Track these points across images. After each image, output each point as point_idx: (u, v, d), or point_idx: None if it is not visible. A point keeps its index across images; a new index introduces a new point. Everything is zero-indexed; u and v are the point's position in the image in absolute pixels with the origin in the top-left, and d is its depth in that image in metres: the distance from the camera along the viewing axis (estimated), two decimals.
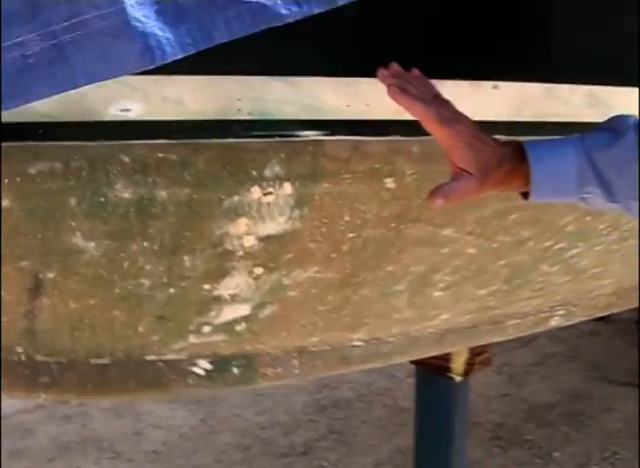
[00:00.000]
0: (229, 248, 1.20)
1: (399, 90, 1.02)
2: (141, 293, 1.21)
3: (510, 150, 1.04)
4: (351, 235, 1.29)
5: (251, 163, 1.12)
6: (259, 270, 1.26)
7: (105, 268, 1.16)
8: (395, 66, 1.08)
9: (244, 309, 1.33)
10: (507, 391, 3.89)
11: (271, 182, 1.14)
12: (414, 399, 2.33)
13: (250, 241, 1.20)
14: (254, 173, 1.13)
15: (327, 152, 1.15)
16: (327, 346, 1.59)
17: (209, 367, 1.41)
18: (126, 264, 1.16)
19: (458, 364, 2.09)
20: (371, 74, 1.09)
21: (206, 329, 1.33)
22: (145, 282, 1.19)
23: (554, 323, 2.12)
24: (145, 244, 1.15)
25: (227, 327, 1.34)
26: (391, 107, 1.09)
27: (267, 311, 1.36)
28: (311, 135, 1.12)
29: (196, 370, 1.40)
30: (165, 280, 1.21)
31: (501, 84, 1.23)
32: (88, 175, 1.06)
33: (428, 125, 1.02)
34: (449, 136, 1.01)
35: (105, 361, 1.30)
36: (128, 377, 1.33)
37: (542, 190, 1.05)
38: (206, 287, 1.24)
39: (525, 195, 1.08)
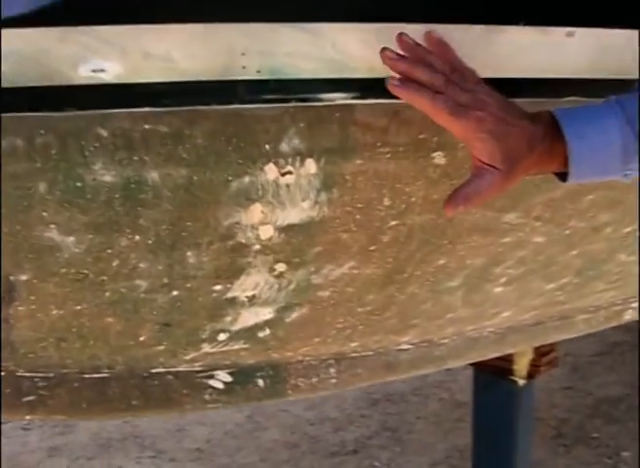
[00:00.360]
0: (242, 240, 0.96)
1: (400, 81, 0.84)
2: (138, 297, 0.99)
3: (542, 128, 0.88)
4: (393, 223, 1.05)
5: (263, 135, 0.88)
6: (281, 267, 1.02)
7: (90, 268, 0.93)
8: (405, 39, 0.85)
9: (266, 313, 1.09)
10: (571, 384, 3.59)
11: (290, 159, 0.90)
12: (472, 401, 2.08)
13: (267, 232, 0.97)
14: (267, 147, 0.89)
15: (359, 120, 0.90)
16: (369, 351, 1.36)
17: (228, 378, 1.19)
18: (115, 263, 0.94)
19: (521, 365, 1.82)
20: (413, 19, 0.85)
21: (222, 336, 1.10)
22: (142, 283, 0.97)
23: (628, 316, 1.86)
24: (137, 238, 0.92)
25: (248, 333, 1.12)
26: None
27: (295, 314, 1.12)
28: (338, 98, 0.88)
29: (213, 382, 1.17)
30: (165, 280, 0.98)
31: (578, 31, 0.96)
32: (58, 155, 0.84)
33: (437, 119, 0.85)
34: (464, 128, 0.85)
35: (103, 375, 1.08)
36: (131, 393, 1.11)
37: (584, 171, 0.90)
38: (217, 288, 1.01)
39: (561, 176, 0.91)
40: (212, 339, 1.10)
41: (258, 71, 0.83)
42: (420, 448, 3.11)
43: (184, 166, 0.87)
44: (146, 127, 0.84)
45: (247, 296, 1.05)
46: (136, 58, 0.80)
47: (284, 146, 0.89)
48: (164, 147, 0.85)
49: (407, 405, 3.44)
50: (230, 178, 0.89)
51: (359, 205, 1.00)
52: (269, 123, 0.87)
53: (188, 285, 0.99)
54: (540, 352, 1.84)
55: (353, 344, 1.30)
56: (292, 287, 1.06)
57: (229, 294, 1.03)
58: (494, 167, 0.85)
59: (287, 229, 0.98)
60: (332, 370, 1.30)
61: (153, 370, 1.11)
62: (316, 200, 0.96)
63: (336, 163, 0.93)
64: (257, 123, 0.86)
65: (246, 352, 1.16)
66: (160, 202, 0.89)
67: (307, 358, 1.27)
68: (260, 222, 0.95)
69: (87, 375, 1.07)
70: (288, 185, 0.92)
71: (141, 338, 1.05)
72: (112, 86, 0.80)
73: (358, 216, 1.01)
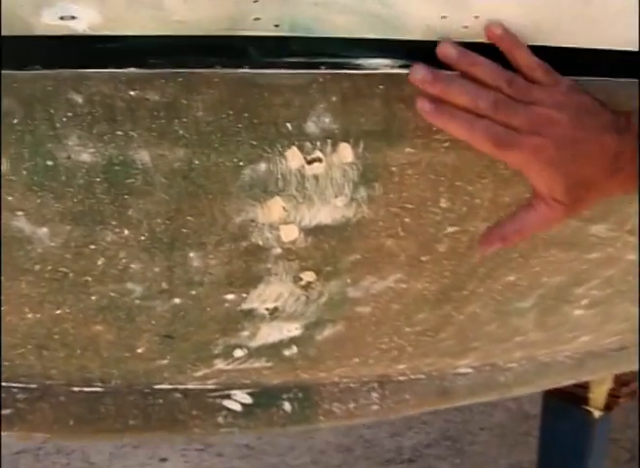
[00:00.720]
0: (259, 242, 0.76)
1: (433, 104, 0.67)
2: (132, 304, 0.80)
3: (634, 138, 0.69)
4: (451, 229, 0.83)
5: (283, 110, 0.67)
6: (309, 276, 0.82)
7: (70, 266, 0.75)
8: (445, 50, 0.66)
9: (292, 329, 0.89)
10: None
11: (318, 143, 0.70)
12: (539, 427, 1.84)
13: (291, 233, 0.76)
14: (288, 126, 0.68)
15: (409, 95, 0.69)
16: (420, 375, 1.14)
17: (248, 400, 0.99)
18: (100, 262, 0.75)
19: (598, 394, 1.57)
20: None
21: (238, 352, 0.91)
22: (135, 287, 0.78)
23: None
24: (126, 232, 0.73)
25: (270, 351, 0.92)
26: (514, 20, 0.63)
27: (328, 332, 0.92)
28: (382, 65, 0.67)
29: (229, 403, 0.98)
30: (165, 286, 0.79)
31: None
32: (22, 125, 0.65)
33: (481, 149, 0.69)
34: (513, 160, 0.69)
35: (95, 389, 0.90)
36: (128, 412, 0.92)
37: None
38: (229, 297, 0.82)
39: None
40: (226, 355, 0.91)
41: (276, 25, 0.62)
42: (481, 461, 2.88)
43: (182, 146, 0.67)
44: (132, 94, 0.64)
45: (267, 309, 0.85)
46: (116, 3, 0.60)
47: (311, 126, 0.68)
48: (155, 121, 0.66)
49: (471, 413, 3.19)
50: (242, 164, 0.69)
51: (408, 205, 0.78)
52: (291, 94, 0.66)
53: (193, 292, 0.80)
54: (621, 381, 1.59)
55: (401, 367, 1.09)
56: (323, 300, 0.86)
57: (245, 306, 0.84)
58: (555, 199, 0.70)
59: (316, 231, 0.77)
60: (374, 395, 1.10)
61: (156, 387, 0.93)
62: (353, 196, 0.75)
63: (378, 150, 0.72)
64: (274, 94, 0.66)
65: (269, 371, 0.97)
66: (153, 190, 0.70)
67: (345, 380, 1.06)
68: (280, 221, 0.75)
69: (76, 389, 0.90)
70: (316, 176, 0.72)
71: (139, 350, 0.86)
72: (87, 38, 0.61)
73: (407, 220, 0.80)
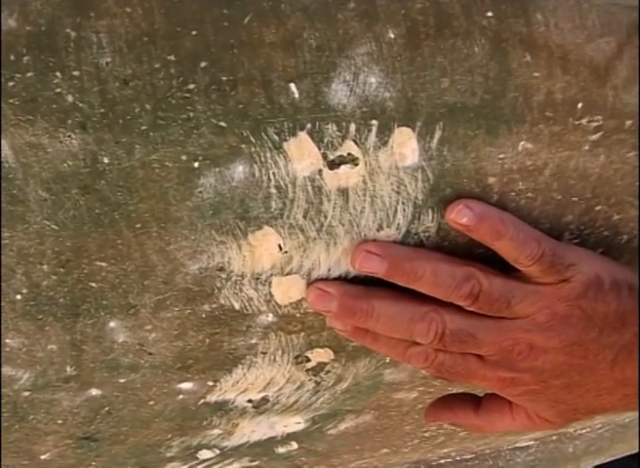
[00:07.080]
0: (234, 305, 0.41)
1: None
2: (18, 397, 0.44)
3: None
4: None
5: (281, 54, 0.32)
6: (321, 355, 0.47)
7: None
8: (362, 255, 0.40)
9: (291, 423, 0.54)
10: None
11: (353, 126, 0.34)
12: None
13: (292, 291, 0.41)
14: (293, 90, 0.33)
15: (537, 38, 0.33)
16: (468, 454, 0.80)
17: None
18: None
19: None
20: None
21: (206, 453, 0.55)
22: (17, 374, 0.43)
23: None
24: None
25: (256, 450, 0.57)
26: None
27: (347, 425, 0.57)
28: None
29: None
30: (71, 371, 0.43)
31: None
32: None
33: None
34: (474, 386, 0.48)
35: None
36: None
37: None
38: (184, 386, 0.46)
39: None
40: (187, 458, 0.56)
41: None
42: None
43: (75, 127, 0.32)
44: None
45: (250, 401, 0.50)
46: None
47: (338, 91, 0.33)
48: (17, 72, 0.30)
49: None
50: (197, 166, 0.34)
51: None
52: (298, 21, 0.30)
53: (121, 380, 0.45)
54: None
55: (445, 450, 0.74)
56: (343, 386, 0.51)
57: (212, 398, 0.48)
58: (541, 417, 0.49)
59: None
60: None
61: None
62: (411, 229, 0.39)
63: (468, 143, 0.36)
64: (262, 19, 0.30)
65: None
66: (26, 211, 0.34)
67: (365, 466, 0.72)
68: (274, 270, 0.39)
69: None
70: (344, 191, 0.36)
71: (43, 457, 0.51)
72: None
73: None
